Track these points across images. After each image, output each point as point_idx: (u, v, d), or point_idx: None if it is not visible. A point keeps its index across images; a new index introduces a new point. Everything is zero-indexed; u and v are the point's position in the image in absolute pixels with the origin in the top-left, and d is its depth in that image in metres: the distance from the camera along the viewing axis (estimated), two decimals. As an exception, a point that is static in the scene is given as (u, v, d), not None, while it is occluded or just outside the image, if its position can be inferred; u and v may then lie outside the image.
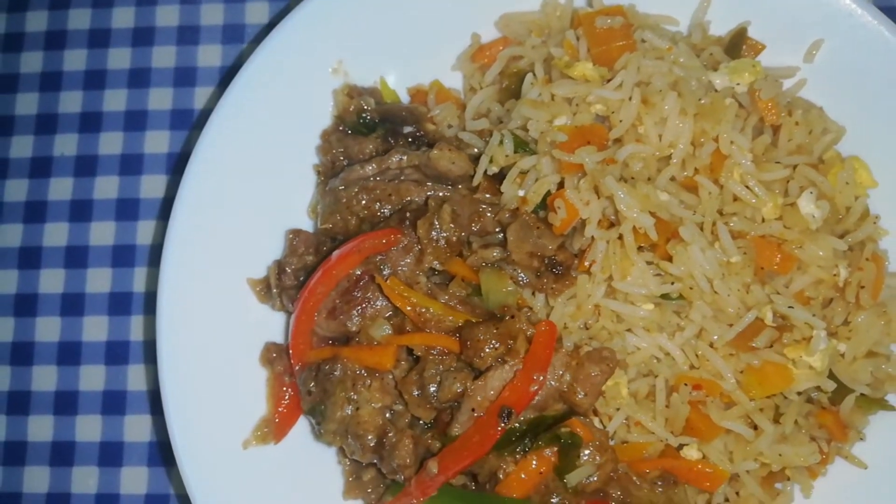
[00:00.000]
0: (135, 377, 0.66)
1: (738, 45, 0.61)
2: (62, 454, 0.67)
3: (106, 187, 0.71)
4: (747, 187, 0.55)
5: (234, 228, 0.60)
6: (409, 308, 0.54)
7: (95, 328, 0.68)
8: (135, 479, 0.65)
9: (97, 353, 0.68)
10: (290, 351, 0.57)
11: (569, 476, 0.53)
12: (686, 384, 0.54)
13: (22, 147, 0.73)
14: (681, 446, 0.56)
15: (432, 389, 0.53)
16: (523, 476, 0.52)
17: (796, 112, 0.57)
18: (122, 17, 0.76)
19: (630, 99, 0.56)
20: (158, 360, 0.57)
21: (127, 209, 0.71)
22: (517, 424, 0.53)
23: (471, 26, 0.64)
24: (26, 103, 0.75)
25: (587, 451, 0.53)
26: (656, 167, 0.56)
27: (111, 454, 0.66)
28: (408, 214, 0.57)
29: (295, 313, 0.57)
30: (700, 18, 0.62)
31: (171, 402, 0.56)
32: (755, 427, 0.55)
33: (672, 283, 0.54)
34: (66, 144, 0.73)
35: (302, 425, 0.60)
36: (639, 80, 0.56)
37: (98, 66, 0.75)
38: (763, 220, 0.56)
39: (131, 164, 0.72)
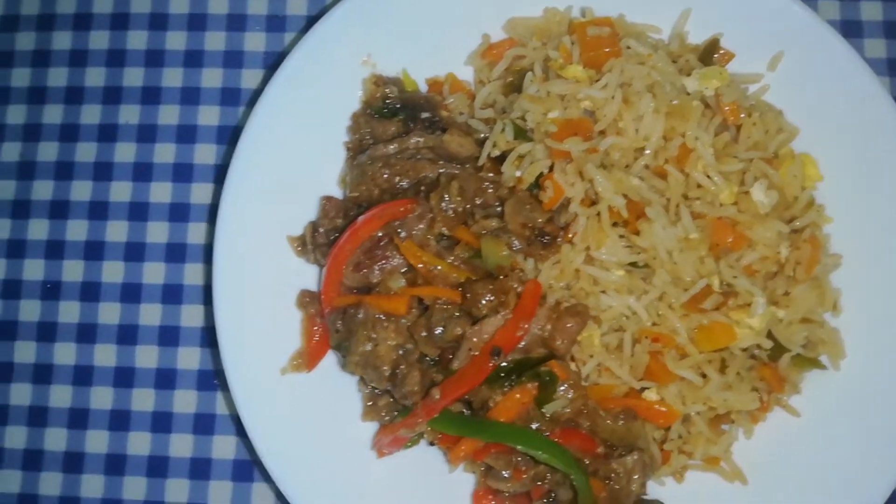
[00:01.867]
0: (189, 315, 0.78)
1: (710, 53, 0.70)
2: (123, 377, 0.79)
3: (165, 153, 0.82)
4: (708, 177, 0.65)
5: (276, 193, 0.70)
6: (420, 266, 0.66)
7: (154, 272, 0.80)
8: (187, 400, 0.78)
9: (155, 293, 0.79)
10: (322, 297, 0.69)
11: (546, 406, 0.64)
12: (647, 337, 0.65)
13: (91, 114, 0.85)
14: (642, 390, 0.67)
15: (438, 332, 0.64)
16: (509, 405, 0.64)
17: (755, 114, 0.67)
18: (179, 5, 0.86)
19: (613, 98, 0.66)
20: (214, 301, 0.67)
21: (183, 172, 0.81)
22: (506, 364, 0.65)
23: (482, 28, 0.73)
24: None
25: (562, 388, 0.65)
26: (633, 156, 0.66)
27: (166, 379, 0.79)
28: (422, 188, 0.68)
29: (326, 266, 0.68)
30: (679, 29, 0.71)
31: (223, 335, 0.67)
32: (704, 376, 0.66)
33: (639, 254, 0.65)
34: (130, 114, 0.84)
35: (330, 359, 0.71)
36: (621, 82, 0.66)
37: (158, 46, 0.86)
38: (721, 205, 0.66)
39: (187, 134, 0.82)
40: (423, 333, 0.65)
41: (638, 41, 0.69)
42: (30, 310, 0.80)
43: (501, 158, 0.69)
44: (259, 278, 0.70)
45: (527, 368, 0.65)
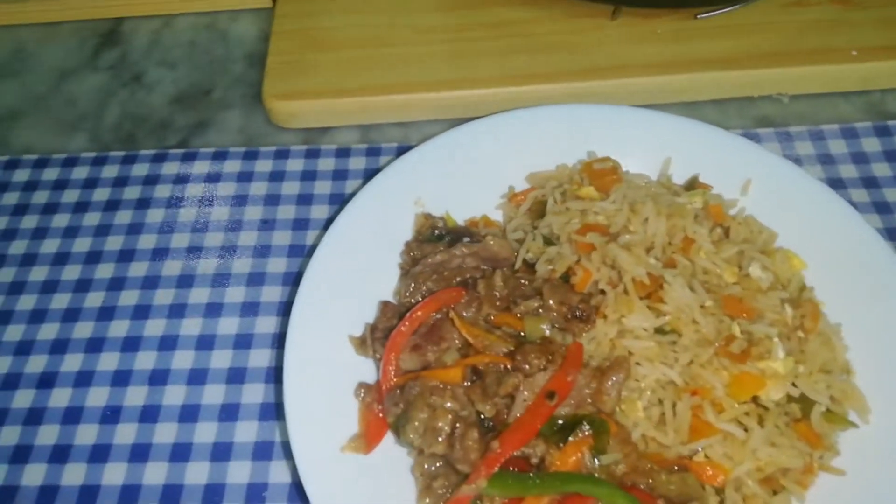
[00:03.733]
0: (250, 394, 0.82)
1: (692, 187, 0.88)
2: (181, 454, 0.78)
3: (235, 294, 0.92)
4: (712, 262, 0.78)
5: (341, 301, 0.81)
6: (474, 340, 0.74)
7: (221, 358, 0.85)
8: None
9: (220, 375, 0.83)
10: (381, 378, 0.75)
11: (602, 457, 0.67)
12: (687, 393, 0.71)
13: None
14: (691, 456, 0.70)
15: (492, 389, 0.70)
16: (567, 455, 0.66)
17: (739, 217, 0.83)
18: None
19: (621, 209, 0.81)
20: (284, 392, 0.72)
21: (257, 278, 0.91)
22: (560, 420, 0.69)
23: (508, 181, 0.91)
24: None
25: (613, 441, 0.68)
26: (645, 249, 0.79)
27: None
28: (469, 281, 0.79)
29: (384, 351, 0.76)
30: (664, 172, 0.90)
31: (292, 420, 0.71)
32: (746, 430, 0.70)
33: (665, 317, 0.74)
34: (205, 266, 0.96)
35: (386, 449, 0.74)
36: (627, 197, 0.82)
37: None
38: (726, 285, 0.77)
39: (257, 278, 0.92)
40: (479, 392, 0.70)
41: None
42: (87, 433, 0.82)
43: (532, 266, 0.82)
44: (324, 374, 0.76)
45: (579, 423, 0.69)
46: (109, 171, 1.05)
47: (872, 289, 0.78)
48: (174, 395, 0.83)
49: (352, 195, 0.87)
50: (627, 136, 0.90)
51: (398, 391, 0.73)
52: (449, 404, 0.70)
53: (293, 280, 0.92)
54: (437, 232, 0.86)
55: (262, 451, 0.79)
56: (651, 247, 0.78)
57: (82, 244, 0.98)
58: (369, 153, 1.03)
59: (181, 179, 1.03)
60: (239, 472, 0.78)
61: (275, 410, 0.81)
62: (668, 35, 1.08)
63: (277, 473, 0.77)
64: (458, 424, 0.70)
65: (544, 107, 0.93)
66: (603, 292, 0.77)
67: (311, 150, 1.04)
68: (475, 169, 0.91)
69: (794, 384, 0.71)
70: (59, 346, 0.88)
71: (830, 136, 1.01)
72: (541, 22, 1.11)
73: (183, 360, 0.86)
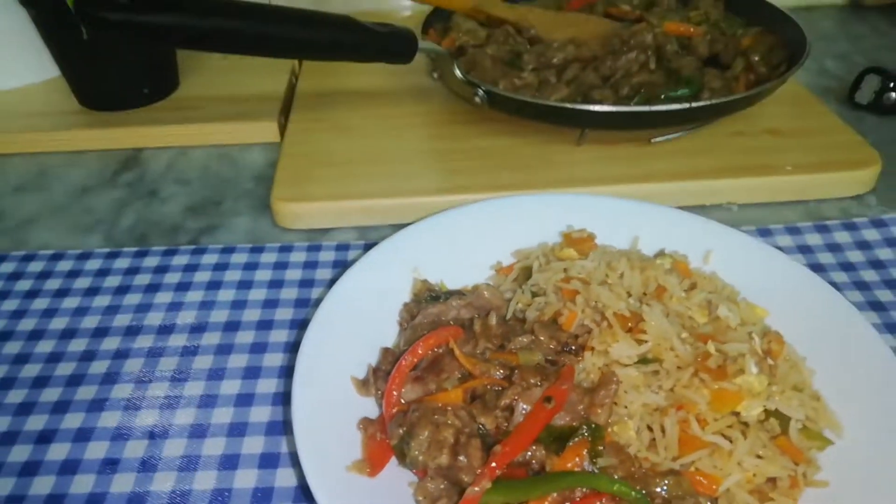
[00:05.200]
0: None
1: (657, 258, 0.99)
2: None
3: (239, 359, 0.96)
4: (685, 307, 0.86)
5: (343, 356, 0.86)
6: (472, 367, 0.79)
7: (223, 415, 0.86)
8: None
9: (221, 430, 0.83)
10: (384, 407, 0.78)
11: (598, 460, 0.70)
12: (673, 408, 0.76)
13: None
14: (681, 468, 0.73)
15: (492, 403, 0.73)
16: (566, 459, 0.69)
17: (704, 273, 0.93)
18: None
19: (599, 265, 0.91)
20: (294, 428, 0.74)
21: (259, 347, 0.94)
22: (557, 428, 0.72)
23: (496, 257, 1.01)
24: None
25: (608, 448, 0.71)
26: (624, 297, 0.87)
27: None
28: (465, 324, 0.86)
29: (387, 383, 0.80)
30: (633, 247, 1.01)
31: (303, 449, 0.73)
32: (731, 441, 0.74)
33: (646, 344, 0.80)
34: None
35: (388, 476, 0.75)
36: (604, 257, 0.92)
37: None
38: (698, 325, 0.85)
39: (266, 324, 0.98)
40: (480, 406, 0.74)
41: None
42: None
43: (522, 320, 0.89)
44: (329, 411, 0.79)
45: (577, 429, 0.72)
46: (121, 263, 1.12)
47: (831, 330, 0.86)
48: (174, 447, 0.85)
49: (353, 261, 0.96)
50: (600, 217, 1.02)
51: (401, 415, 0.77)
52: (451, 421, 0.74)
53: (292, 348, 0.97)
54: (432, 295, 0.93)
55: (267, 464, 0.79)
56: (629, 294, 0.87)
57: (91, 321, 1.02)
58: (367, 248, 1.13)
59: (190, 268, 1.10)
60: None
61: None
62: (628, 157, 1.24)
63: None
64: (461, 437, 0.73)
65: (528, 195, 1.06)
66: (589, 332, 0.83)
67: (312, 245, 1.14)
68: (467, 245, 1.01)
69: (768, 401, 0.76)
70: (63, 405, 0.89)
71: (777, 233, 1.14)
72: (518, 147, 1.28)
73: (185, 416, 0.88)
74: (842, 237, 1.12)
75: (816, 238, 1.13)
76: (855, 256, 1.09)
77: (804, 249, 1.11)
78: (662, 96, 1.22)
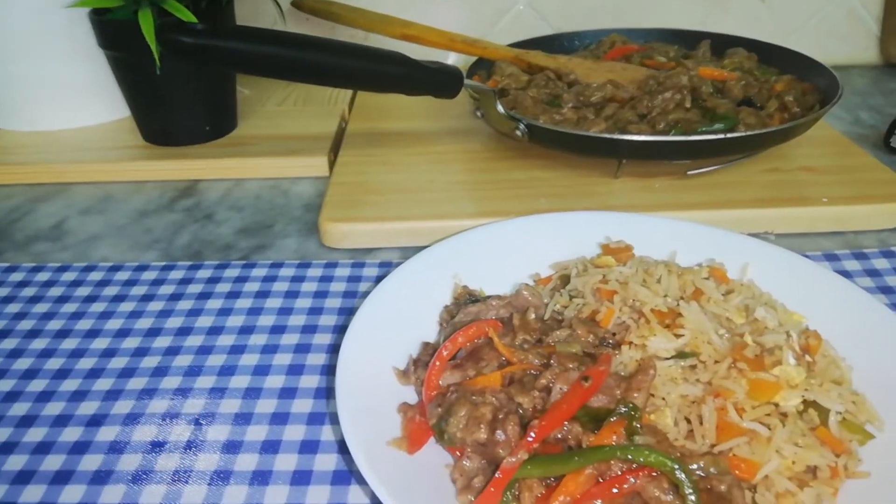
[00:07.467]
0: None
1: (698, 271, 1.00)
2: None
3: (282, 362, 0.99)
4: (722, 309, 0.87)
5: (385, 347, 0.89)
6: (511, 355, 0.81)
7: (266, 405, 0.88)
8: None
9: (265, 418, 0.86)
10: (424, 389, 0.80)
11: (635, 438, 0.70)
12: (711, 396, 0.76)
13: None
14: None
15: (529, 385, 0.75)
16: (604, 436, 0.70)
17: (741, 281, 0.94)
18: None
19: (636, 272, 0.93)
20: (339, 414, 0.75)
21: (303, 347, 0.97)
22: (592, 409, 0.73)
23: (534, 269, 1.04)
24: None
25: (645, 429, 0.72)
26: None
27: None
28: (504, 320, 0.88)
29: (428, 370, 0.82)
30: (671, 260, 1.03)
31: (348, 432, 0.74)
32: (770, 429, 0.73)
33: (684, 337, 0.81)
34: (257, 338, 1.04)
35: (428, 454, 0.76)
36: (641, 264, 0.95)
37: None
38: (736, 326, 0.86)
39: (310, 327, 1.00)
40: (518, 387, 0.75)
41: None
42: None
43: (560, 321, 0.91)
44: (372, 397, 0.82)
45: (611, 413, 0.73)
46: (176, 274, 1.18)
47: (871, 336, 0.86)
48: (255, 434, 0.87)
49: (397, 264, 0.99)
50: (638, 234, 1.05)
51: (440, 396, 0.78)
52: (489, 400, 0.75)
53: (334, 349, 1.00)
54: (472, 298, 0.96)
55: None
56: (666, 296, 0.89)
57: (144, 322, 1.07)
58: (409, 264, 1.17)
59: (240, 280, 1.15)
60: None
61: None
62: (664, 188, 1.28)
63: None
64: (498, 414, 0.74)
65: (567, 212, 1.10)
66: (627, 328, 0.85)
67: (356, 262, 1.18)
68: (507, 257, 1.04)
69: (806, 392, 0.76)
70: (115, 393, 0.93)
71: (815, 259, 1.15)
72: (556, 179, 1.32)
73: (230, 406, 0.91)
74: (880, 264, 1.13)
75: (855, 264, 1.13)
76: (895, 281, 1.09)
77: (843, 275, 1.11)
78: (699, 130, 1.26)
